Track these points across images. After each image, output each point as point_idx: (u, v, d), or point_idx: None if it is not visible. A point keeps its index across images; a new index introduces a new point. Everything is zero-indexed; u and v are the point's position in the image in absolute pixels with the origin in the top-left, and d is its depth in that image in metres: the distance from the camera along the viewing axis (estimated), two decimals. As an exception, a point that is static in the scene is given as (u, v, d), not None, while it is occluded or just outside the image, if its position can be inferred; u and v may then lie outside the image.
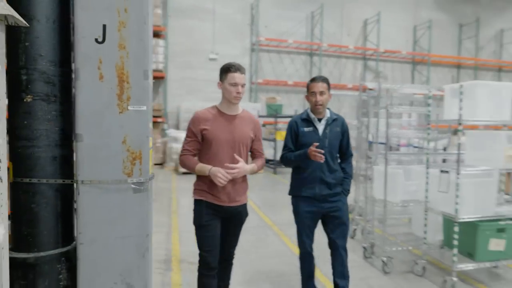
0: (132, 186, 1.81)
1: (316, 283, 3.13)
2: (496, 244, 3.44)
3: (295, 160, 2.88)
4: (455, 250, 3.41)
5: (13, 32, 1.70)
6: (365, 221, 4.84)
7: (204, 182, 2.51)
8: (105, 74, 1.76)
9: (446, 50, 16.37)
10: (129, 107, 1.80)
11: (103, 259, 1.80)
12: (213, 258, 2.52)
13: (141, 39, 1.80)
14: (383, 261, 3.90)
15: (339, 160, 3.03)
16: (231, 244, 2.72)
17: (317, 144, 2.72)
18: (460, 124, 3.33)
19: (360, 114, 5.58)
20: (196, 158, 2.55)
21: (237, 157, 2.47)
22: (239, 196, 2.57)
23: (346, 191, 2.99)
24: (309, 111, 2.98)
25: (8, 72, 1.70)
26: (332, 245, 2.99)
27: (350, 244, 4.57)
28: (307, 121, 2.95)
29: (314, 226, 2.99)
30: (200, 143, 2.52)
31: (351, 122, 5.68)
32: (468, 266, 3.48)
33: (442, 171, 3.62)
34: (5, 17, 1.37)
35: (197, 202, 2.56)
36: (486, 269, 3.88)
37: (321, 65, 14.71)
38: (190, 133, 2.53)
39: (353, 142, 3.65)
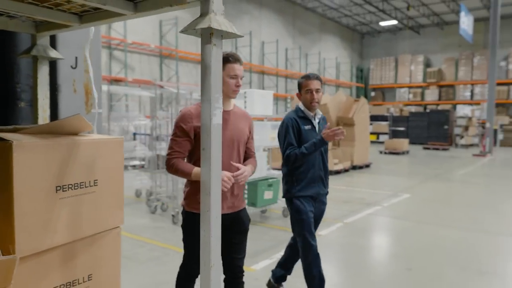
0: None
1: None
2: (268, 195, 5.80)
3: (309, 153, 2.87)
4: (246, 201, 5.54)
5: (12, 57, 2.51)
6: (167, 197, 6.52)
7: (196, 189, 2.28)
8: (77, 89, 2.76)
9: (191, 47, 18.58)
10: (92, 110, 2.86)
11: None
12: (199, 271, 2.61)
13: (98, 66, 2.88)
14: (173, 216, 5.59)
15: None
16: (238, 256, 2.51)
17: (328, 124, 2.90)
18: (244, 117, 5.45)
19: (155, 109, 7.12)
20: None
21: (236, 164, 2.33)
22: (238, 201, 2.48)
23: (327, 192, 3.16)
24: (303, 108, 3.02)
25: (8, 86, 2.50)
26: None
27: (160, 217, 6.15)
28: (305, 119, 3.01)
29: None
30: (192, 144, 2.34)
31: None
32: (253, 211, 5.68)
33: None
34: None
35: (189, 215, 2.37)
36: (259, 213, 6.26)
37: (62, 52, 14.54)
38: (181, 131, 2.34)
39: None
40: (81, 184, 1.68)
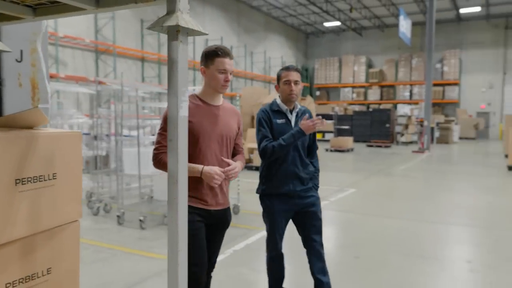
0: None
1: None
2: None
3: (287, 144, 2.80)
4: (195, 199, 5.61)
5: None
6: (110, 198, 6.43)
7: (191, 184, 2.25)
8: (23, 83, 2.72)
9: (130, 43, 18.06)
10: (39, 105, 2.82)
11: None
12: (203, 273, 2.41)
13: (44, 59, 2.85)
14: (140, 220, 5.59)
15: None
16: (215, 253, 2.57)
17: (307, 116, 2.81)
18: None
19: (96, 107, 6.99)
20: None
21: (227, 160, 2.37)
22: (225, 198, 2.50)
23: (316, 186, 3.05)
24: (279, 101, 2.96)
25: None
26: (309, 242, 3.03)
27: (103, 219, 6.05)
28: (279, 112, 2.94)
29: (286, 225, 3.01)
30: None
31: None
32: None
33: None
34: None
35: None
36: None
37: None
38: None
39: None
40: (40, 177, 1.70)
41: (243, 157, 2.60)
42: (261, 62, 27.06)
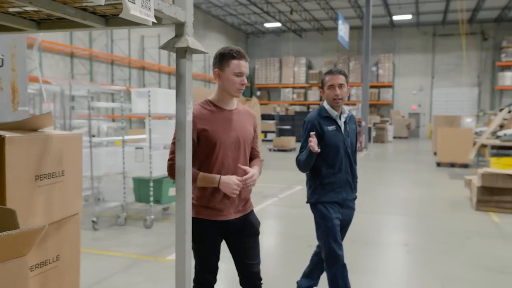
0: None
1: None
2: (172, 192, 6.18)
3: (305, 160, 2.79)
4: (151, 198, 5.83)
5: None
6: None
7: (203, 195, 2.33)
8: (4, 87, 2.90)
9: (58, 37, 17.21)
10: (18, 108, 3.01)
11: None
12: (215, 279, 2.47)
13: (23, 65, 3.05)
14: (93, 221, 5.72)
15: None
16: (254, 262, 2.46)
17: (313, 133, 2.70)
18: (149, 115, 5.75)
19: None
20: None
21: (243, 167, 2.30)
22: (245, 204, 2.45)
23: (356, 197, 3.06)
24: (327, 107, 2.90)
25: None
26: None
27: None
28: (329, 118, 2.88)
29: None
30: (195, 147, 2.22)
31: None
32: (157, 208, 6.02)
33: (137, 148, 5.95)
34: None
35: (196, 221, 2.23)
36: (161, 211, 6.62)
37: None
38: None
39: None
40: (53, 174, 1.99)
41: (260, 161, 2.55)
42: (200, 61, 27.21)
